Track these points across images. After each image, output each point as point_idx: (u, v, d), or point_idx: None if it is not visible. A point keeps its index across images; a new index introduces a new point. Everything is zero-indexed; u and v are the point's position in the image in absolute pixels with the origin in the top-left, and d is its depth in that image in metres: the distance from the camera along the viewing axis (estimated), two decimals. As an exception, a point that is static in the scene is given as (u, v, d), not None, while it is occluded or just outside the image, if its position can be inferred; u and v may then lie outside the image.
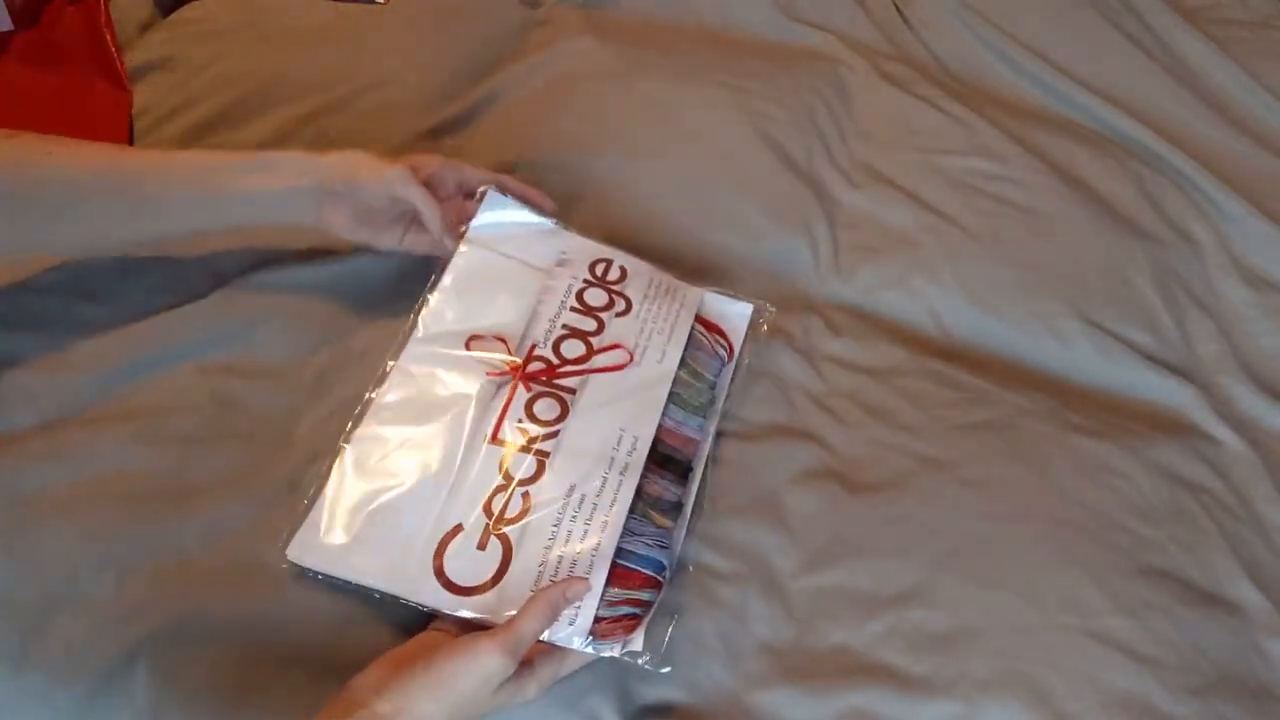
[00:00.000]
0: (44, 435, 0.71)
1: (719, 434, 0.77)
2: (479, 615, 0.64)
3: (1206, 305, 0.89)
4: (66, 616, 0.64)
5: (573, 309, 0.77)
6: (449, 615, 0.64)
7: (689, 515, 0.71)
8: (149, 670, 0.62)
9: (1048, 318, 0.86)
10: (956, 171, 0.96)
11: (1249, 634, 0.70)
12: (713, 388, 0.78)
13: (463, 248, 0.79)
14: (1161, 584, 0.70)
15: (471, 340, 0.75)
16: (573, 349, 0.75)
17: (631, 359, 0.75)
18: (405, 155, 0.78)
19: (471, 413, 0.71)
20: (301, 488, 0.69)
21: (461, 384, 0.72)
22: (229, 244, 0.83)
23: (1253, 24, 1.13)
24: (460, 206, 0.81)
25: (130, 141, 0.93)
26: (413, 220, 0.79)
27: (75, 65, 0.98)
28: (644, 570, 0.66)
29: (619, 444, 0.70)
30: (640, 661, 0.64)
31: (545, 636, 0.63)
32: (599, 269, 0.80)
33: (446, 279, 0.78)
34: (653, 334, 0.77)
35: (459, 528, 0.66)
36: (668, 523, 0.70)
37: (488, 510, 0.67)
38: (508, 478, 0.68)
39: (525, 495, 0.67)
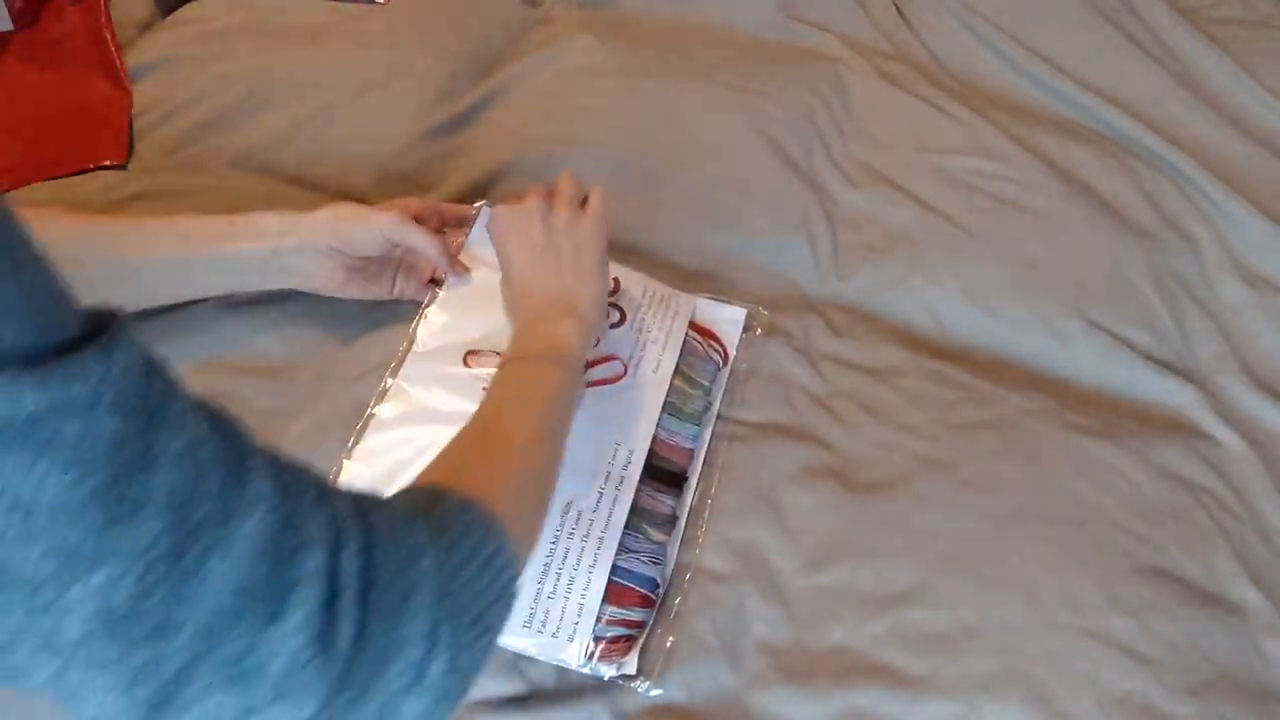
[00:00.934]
0: (44, 435, 0.71)
1: (719, 434, 0.77)
2: None
3: (1206, 305, 0.89)
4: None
5: None
6: None
7: (683, 527, 0.71)
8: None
9: (1047, 317, 0.86)
10: (956, 171, 0.96)
11: (1249, 634, 0.70)
12: (708, 394, 0.78)
13: (461, 258, 0.80)
14: (1161, 584, 0.70)
15: (469, 355, 0.75)
16: None
17: (626, 371, 0.75)
18: (386, 203, 0.77)
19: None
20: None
21: (460, 400, 0.72)
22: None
23: (1253, 24, 1.13)
24: (445, 241, 0.81)
25: (130, 141, 0.93)
26: (400, 265, 0.79)
27: (75, 65, 0.98)
28: (638, 588, 0.67)
29: (614, 458, 0.70)
30: (634, 685, 0.64)
31: (531, 651, 0.64)
32: None
33: (443, 294, 0.78)
34: (647, 344, 0.77)
35: None
36: (662, 537, 0.70)
37: None
38: None
39: None
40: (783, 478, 0.74)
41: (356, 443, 0.72)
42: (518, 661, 0.65)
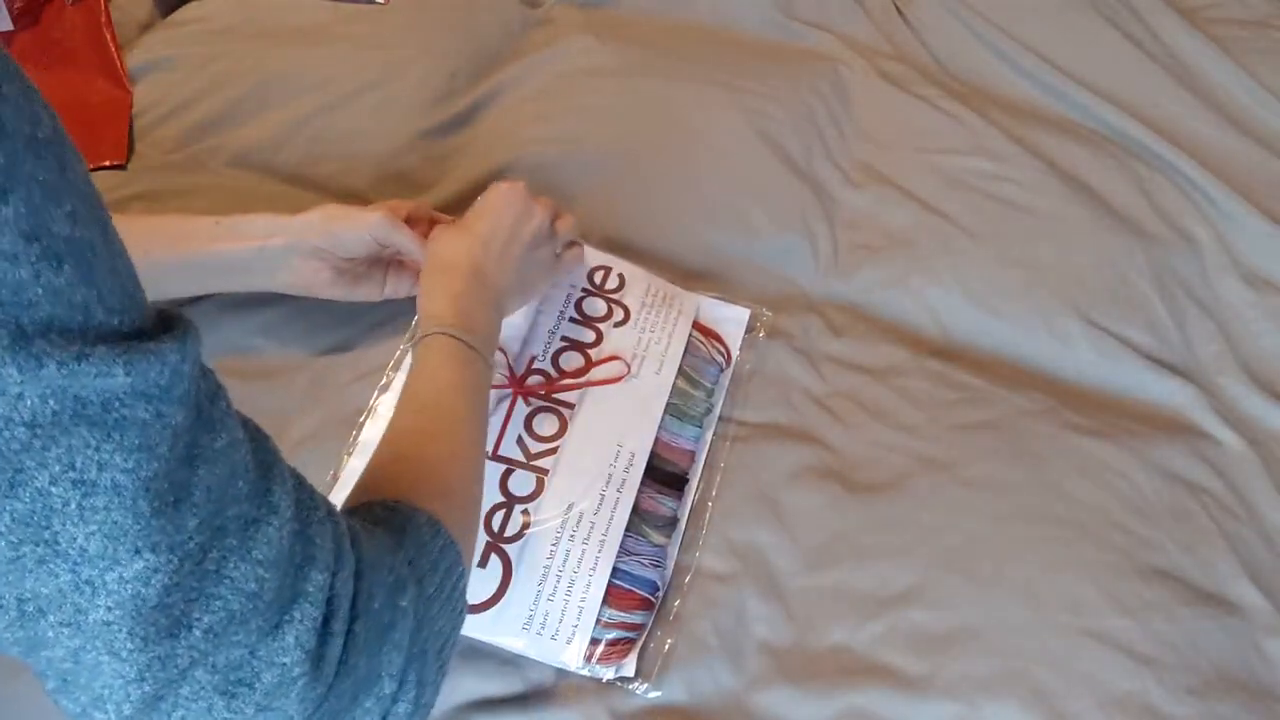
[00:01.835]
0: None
1: (720, 435, 0.77)
2: (478, 635, 0.64)
3: (1206, 305, 0.89)
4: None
5: (571, 319, 0.77)
6: None
7: (683, 529, 0.71)
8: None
9: (1047, 317, 0.86)
10: (956, 171, 0.96)
11: (1248, 634, 0.70)
12: (710, 395, 0.77)
13: None
14: (1161, 584, 0.70)
15: None
16: (571, 361, 0.75)
17: (629, 370, 0.75)
18: (374, 204, 0.77)
19: None
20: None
21: None
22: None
23: (1252, 23, 1.13)
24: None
25: (130, 141, 0.93)
26: (390, 266, 0.78)
27: (75, 65, 0.98)
28: (638, 591, 0.67)
29: (616, 459, 0.70)
30: (632, 686, 0.64)
31: (530, 654, 0.64)
32: (597, 277, 0.80)
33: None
34: (650, 344, 0.76)
35: None
36: (663, 539, 0.70)
37: (488, 528, 0.67)
38: (507, 495, 0.68)
39: (524, 513, 0.67)
40: (783, 478, 0.74)
41: (357, 436, 0.72)
42: (516, 661, 0.65)
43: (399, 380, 0.75)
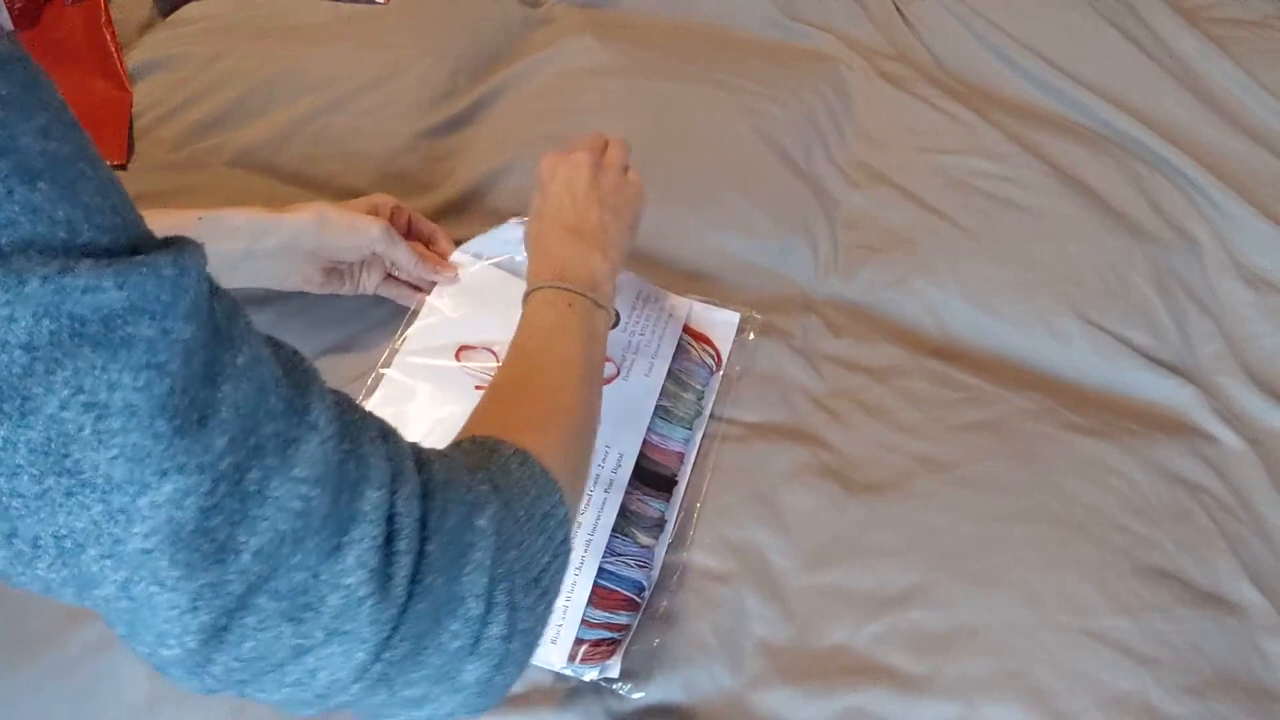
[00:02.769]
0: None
1: (719, 435, 0.77)
2: None
3: (1206, 305, 0.89)
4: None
5: None
6: None
7: (671, 532, 0.71)
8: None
9: (1047, 317, 0.86)
10: (956, 171, 0.96)
11: (1248, 634, 0.69)
12: (700, 398, 0.77)
13: (453, 258, 0.80)
14: (1160, 584, 0.70)
15: (461, 351, 0.75)
16: None
17: (618, 373, 0.75)
18: (358, 200, 0.77)
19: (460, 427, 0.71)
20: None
21: (450, 397, 0.72)
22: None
23: (1252, 24, 1.13)
24: (424, 252, 0.80)
25: (130, 141, 0.93)
26: (365, 263, 0.78)
27: (75, 65, 0.98)
28: (624, 591, 0.66)
29: (604, 460, 0.70)
30: (615, 687, 0.64)
31: None
32: None
33: (431, 298, 0.79)
34: (640, 347, 0.77)
35: None
36: (650, 540, 0.70)
37: None
38: None
39: None
40: (782, 478, 0.74)
41: None
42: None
43: (388, 378, 0.74)
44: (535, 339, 0.58)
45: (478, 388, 0.73)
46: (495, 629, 0.40)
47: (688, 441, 0.75)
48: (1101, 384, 0.84)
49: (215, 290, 0.35)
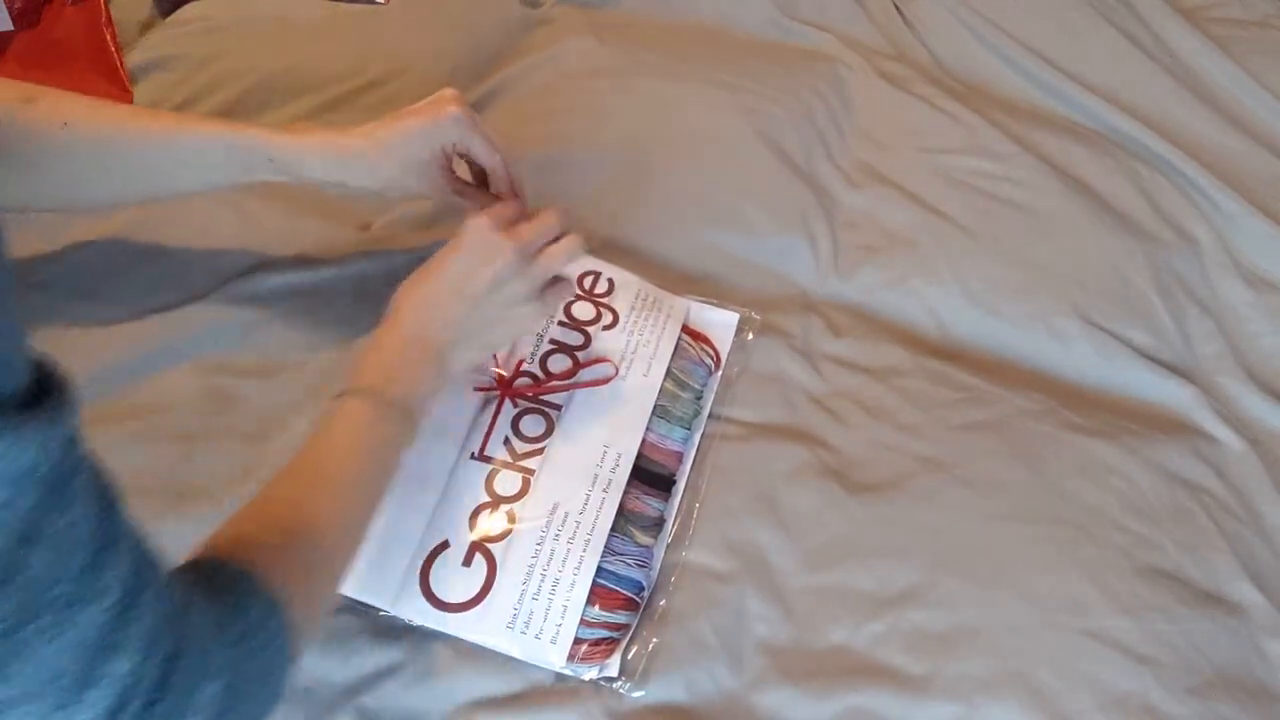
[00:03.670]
0: (43, 434, 0.71)
1: (718, 434, 0.77)
2: (462, 634, 0.64)
3: (1206, 305, 0.89)
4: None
5: (560, 323, 0.77)
6: (432, 628, 0.64)
7: (670, 531, 0.71)
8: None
9: (1047, 317, 0.86)
10: (956, 171, 0.96)
11: (1248, 634, 0.69)
12: (699, 398, 0.77)
13: None
14: (1161, 584, 0.70)
15: None
16: (559, 364, 0.75)
17: (617, 373, 0.75)
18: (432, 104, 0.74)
19: (459, 428, 0.71)
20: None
21: (449, 399, 0.72)
22: (228, 246, 0.84)
23: (1252, 23, 1.13)
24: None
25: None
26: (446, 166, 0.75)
27: (75, 65, 0.98)
28: (623, 591, 0.67)
29: (603, 460, 0.70)
30: (615, 686, 0.64)
31: (514, 653, 0.64)
32: (587, 282, 0.80)
33: None
34: (639, 346, 0.77)
35: (445, 543, 0.66)
36: (649, 540, 0.70)
37: (473, 527, 0.67)
38: (493, 495, 0.68)
39: (510, 514, 0.68)
40: (783, 477, 0.74)
41: None
42: (514, 660, 0.65)
43: None
44: (327, 462, 0.58)
45: (477, 389, 0.73)
46: None
47: (686, 441, 0.75)
48: (1101, 384, 0.84)
49: (74, 440, 0.35)
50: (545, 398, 0.73)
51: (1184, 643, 0.67)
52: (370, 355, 0.63)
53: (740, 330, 0.82)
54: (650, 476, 0.72)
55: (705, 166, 0.93)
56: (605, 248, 0.87)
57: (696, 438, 0.76)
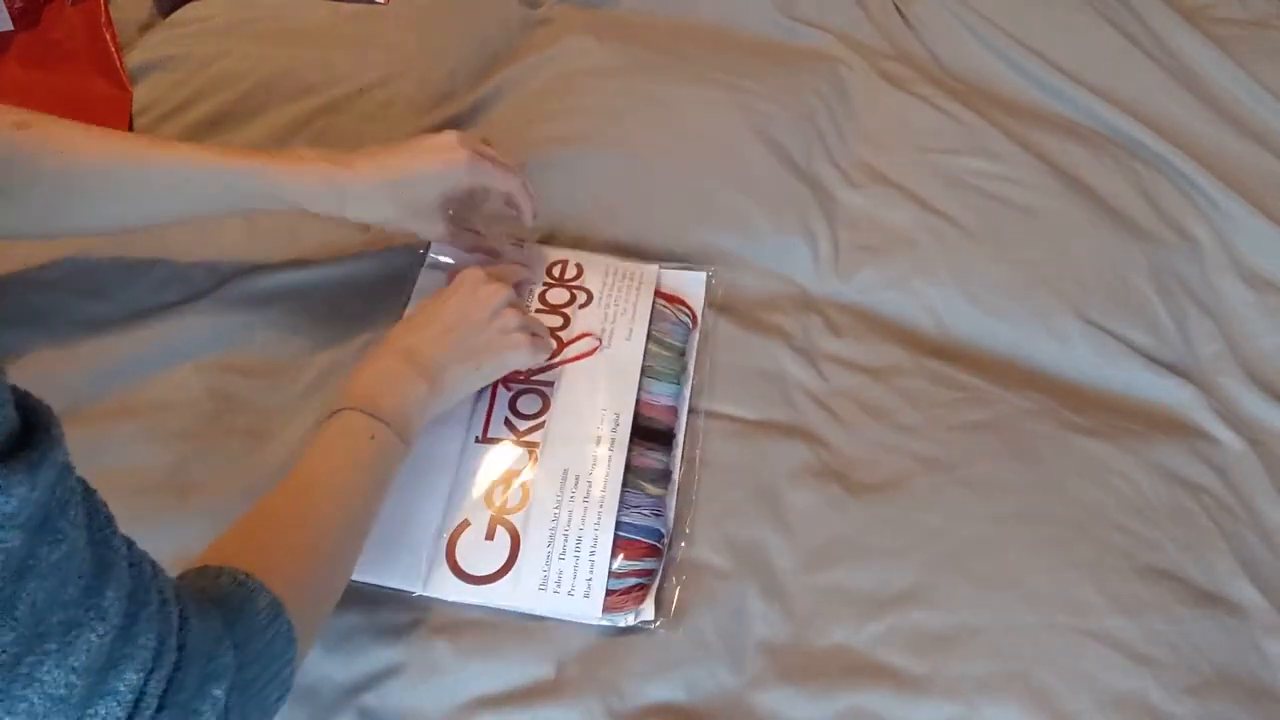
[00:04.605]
0: (44, 434, 0.71)
1: (718, 429, 0.77)
2: (497, 603, 0.67)
3: (1206, 305, 0.89)
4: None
5: (537, 310, 0.80)
6: (468, 602, 0.67)
7: (678, 482, 0.73)
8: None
9: (1047, 317, 0.86)
10: (956, 171, 0.96)
11: (1248, 634, 0.70)
12: (682, 354, 0.80)
13: (422, 275, 0.82)
14: (1161, 584, 0.70)
15: None
16: None
17: (601, 344, 0.78)
18: (425, 135, 0.75)
19: (460, 416, 0.73)
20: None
21: None
22: (229, 245, 0.84)
23: (1252, 24, 1.13)
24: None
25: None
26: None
27: (75, 66, 0.98)
28: (644, 539, 0.69)
29: (602, 423, 0.73)
30: (654, 626, 0.66)
31: (551, 613, 0.66)
32: (556, 270, 0.83)
33: (412, 306, 0.80)
34: (617, 316, 0.80)
35: (465, 523, 0.69)
36: (659, 491, 0.72)
37: (489, 503, 0.70)
38: (503, 471, 0.71)
39: (523, 486, 0.70)
40: (783, 477, 0.74)
41: None
42: (514, 659, 0.65)
43: None
44: (323, 472, 0.60)
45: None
46: None
47: (677, 396, 0.78)
48: (1101, 384, 0.84)
49: (63, 476, 0.36)
50: (536, 377, 0.76)
51: (1183, 643, 0.67)
52: (363, 373, 0.66)
53: (710, 287, 0.85)
54: (650, 433, 0.75)
55: (705, 166, 0.94)
56: (605, 247, 0.87)
57: (686, 391, 0.78)
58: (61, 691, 0.36)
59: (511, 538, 0.68)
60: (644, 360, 0.78)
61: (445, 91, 0.99)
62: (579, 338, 0.78)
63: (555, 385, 0.76)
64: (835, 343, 0.83)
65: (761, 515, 0.72)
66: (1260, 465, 0.79)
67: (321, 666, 0.63)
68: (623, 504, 0.70)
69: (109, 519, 0.41)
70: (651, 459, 0.74)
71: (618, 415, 0.74)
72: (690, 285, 0.85)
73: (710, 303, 0.84)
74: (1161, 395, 0.83)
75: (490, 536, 0.68)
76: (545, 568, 0.67)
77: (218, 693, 0.44)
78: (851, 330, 0.84)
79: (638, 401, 0.75)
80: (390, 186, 0.72)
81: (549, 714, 0.63)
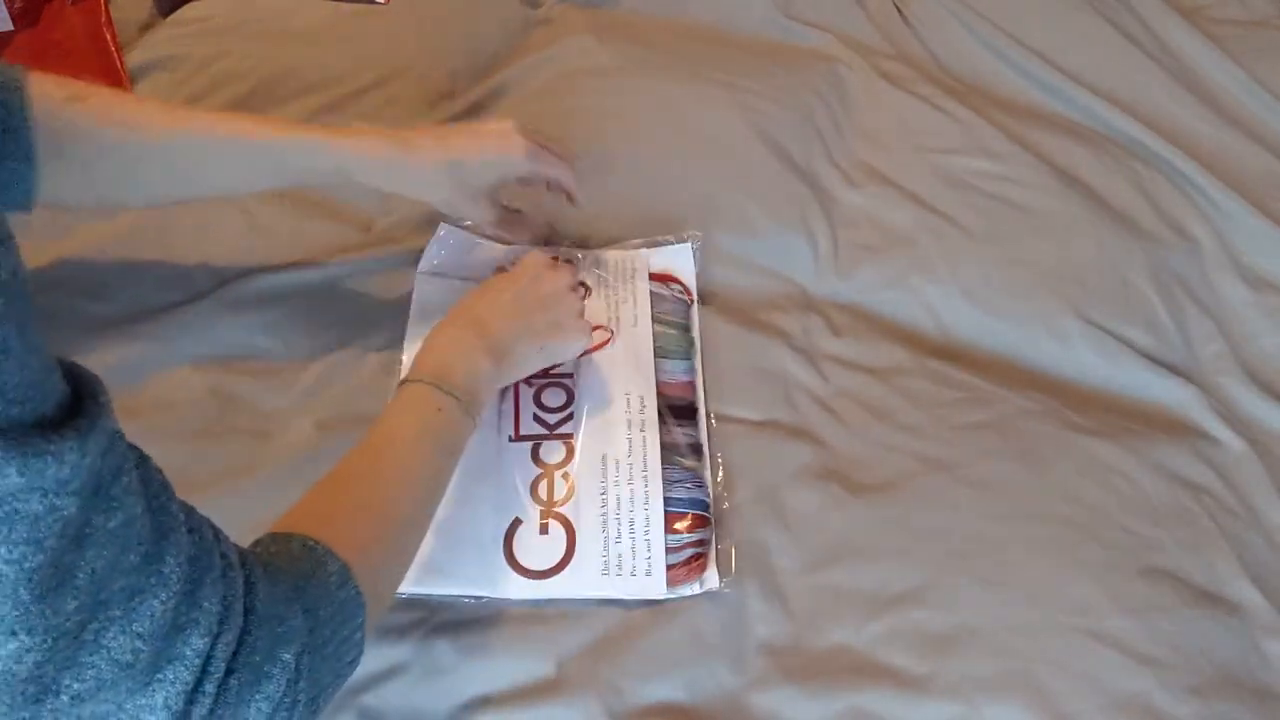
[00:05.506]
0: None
1: (720, 431, 0.77)
2: (561, 595, 0.68)
3: (1206, 305, 0.89)
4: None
5: None
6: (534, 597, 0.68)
7: (709, 456, 0.75)
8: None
9: (1047, 317, 0.86)
10: (956, 171, 0.96)
11: (1249, 634, 0.70)
12: (687, 330, 0.82)
13: (419, 283, 0.82)
14: (1162, 584, 0.70)
15: None
16: None
17: (612, 334, 0.80)
18: (479, 121, 0.77)
19: (490, 420, 0.74)
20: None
21: None
22: (230, 246, 0.84)
23: (1252, 23, 1.13)
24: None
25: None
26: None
27: (75, 65, 0.98)
28: (691, 511, 0.71)
29: (629, 407, 0.75)
30: (720, 588, 0.68)
31: (618, 595, 0.68)
32: None
33: (414, 319, 0.80)
34: (619, 305, 0.81)
35: (518, 521, 0.70)
36: (694, 463, 0.74)
37: (536, 499, 0.71)
38: (543, 466, 0.73)
39: (565, 476, 0.72)
40: (784, 477, 0.74)
41: None
42: (514, 659, 0.65)
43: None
44: (392, 443, 0.60)
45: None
46: None
47: (690, 370, 0.80)
48: (1101, 384, 0.84)
49: (113, 445, 0.36)
50: (554, 371, 0.77)
51: (1185, 643, 0.67)
52: (428, 348, 0.66)
53: (695, 254, 0.86)
54: (675, 410, 0.77)
55: (705, 166, 0.94)
56: (605, 247, 0.87)
57: (698, 363, 0.81)
58: (128, 657, 0.37)
59: (565, 529, 0.70)
60: (655, 342, 0.79)
61: (445, 91, 0.99)
62: (593, 329, 0.79)
63: (575, 377, 0.77)
64: (835, 343, 0.83)
65: (763, 515, 0.72)
66: (1261, 465, 0.79)
67: (322, 667, 0.63)
68: (665, 480, 0.72)
69: (165, 485, 0.41)
70: (680, 434, 0.75)
71: (642, 398, 0.76)
72: (678, 260, 0.86)
73: (703, 294, 0.85)
74: (1162, 395, 0.83)
75: (544, 531, 0.70)
76: (604, 553, 0.69)
77: (287, 656, 0.44)
78: (852, 330, 0.85)
79: (657, 382, 0.77)
80: (451, 167, 0.73)
81: (549, 713, 0.63)
